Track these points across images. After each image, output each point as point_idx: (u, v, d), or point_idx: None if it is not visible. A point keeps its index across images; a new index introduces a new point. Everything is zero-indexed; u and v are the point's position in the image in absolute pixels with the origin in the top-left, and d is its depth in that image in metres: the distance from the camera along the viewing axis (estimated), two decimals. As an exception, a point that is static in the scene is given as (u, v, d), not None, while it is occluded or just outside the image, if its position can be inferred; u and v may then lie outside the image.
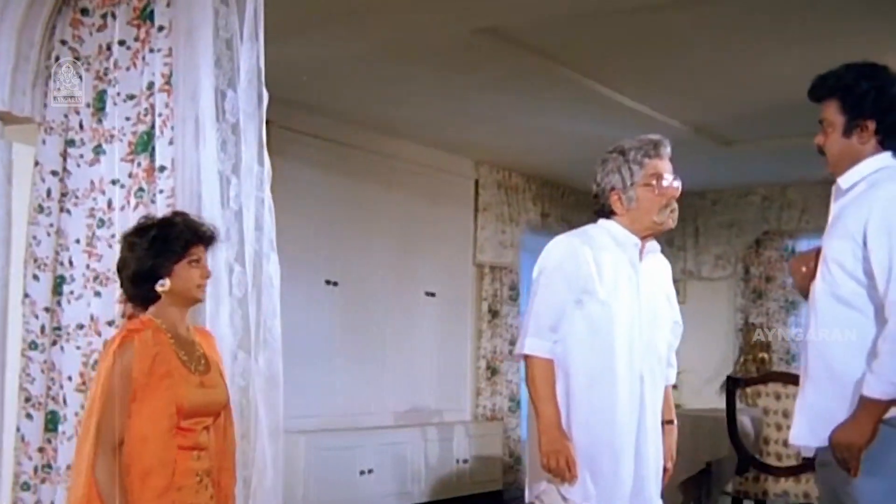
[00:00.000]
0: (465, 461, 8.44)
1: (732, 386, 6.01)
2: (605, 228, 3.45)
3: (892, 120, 2.98)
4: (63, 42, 3.94)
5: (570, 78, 6.80)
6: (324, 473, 6.98)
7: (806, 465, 5.66)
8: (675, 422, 3.59)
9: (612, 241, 3.40)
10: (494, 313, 9.29)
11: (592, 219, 9.43)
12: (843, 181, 3.02)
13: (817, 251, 3.07)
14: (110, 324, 3.67)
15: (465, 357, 9.13)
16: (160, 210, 3.63)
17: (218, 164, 3.62)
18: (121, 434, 2.90)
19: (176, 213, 3.21)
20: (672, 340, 3.54)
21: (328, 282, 7.62)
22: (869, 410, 2.82)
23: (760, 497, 5.85)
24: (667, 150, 3.45)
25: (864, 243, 2.88)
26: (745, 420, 6.10)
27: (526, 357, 3.33)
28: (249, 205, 3.64)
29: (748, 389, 6.62)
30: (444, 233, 8.89)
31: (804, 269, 3.12)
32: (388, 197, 8.27)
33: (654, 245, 3.48)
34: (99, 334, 3.68)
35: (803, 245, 10.27)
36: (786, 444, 5.68)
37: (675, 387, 3.64)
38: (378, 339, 8.09)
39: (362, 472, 7.30)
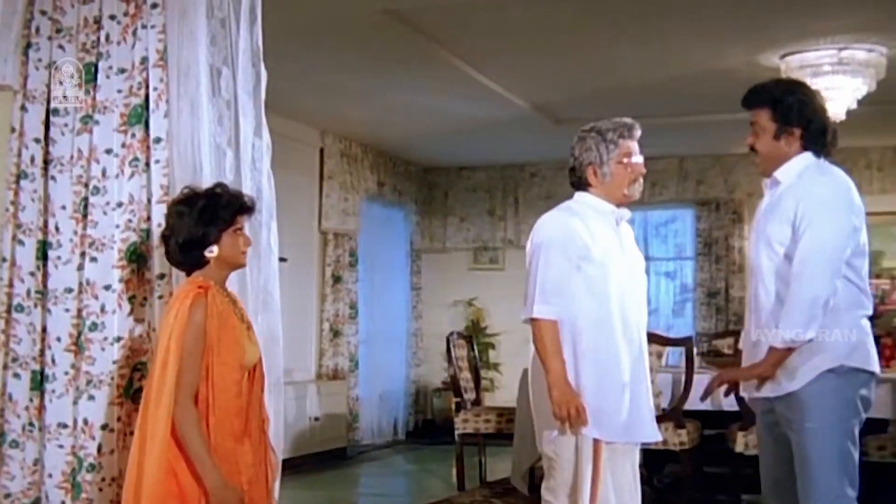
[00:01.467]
0: (317, 419, 8.79)
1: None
2: (583, 202, 3.91)
3: (814, 128, 3.65)
4: (43, 12, 4.02)
5: (443, 57, 7.25)
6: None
7: (664, 416, 6.36)
8: None
9: (593, 210, 3.88)
10: (337, 278, 9.65)
11: (421, 189, 9.75)
12: (781, 175, 3.66)
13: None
14: (107, 288, 3.83)
15: (311, 319, 9.46)
16: (155, 178, 3.84)
17: (213, 138, 3.86)
18: (198, 385, 3.16)
19: (217, 185, 3.44)
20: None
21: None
22: (775, 357, 3.53)
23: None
24: (638, 132, 3.92)
25: (795, 224, 3.53)
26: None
27: (533, 320, 3.75)
28: (247, 176, 3.89)
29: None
30: (293, 200, 9.13)
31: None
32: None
33: (626, 212, 3.97)
34: (96, 297, 3.82)
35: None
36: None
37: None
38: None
39: (231, 432, 7.52)
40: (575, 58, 7.48)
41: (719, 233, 10.61)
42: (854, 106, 7.14)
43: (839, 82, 6.92)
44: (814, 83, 6.96)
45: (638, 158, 3.91)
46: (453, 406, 7.48)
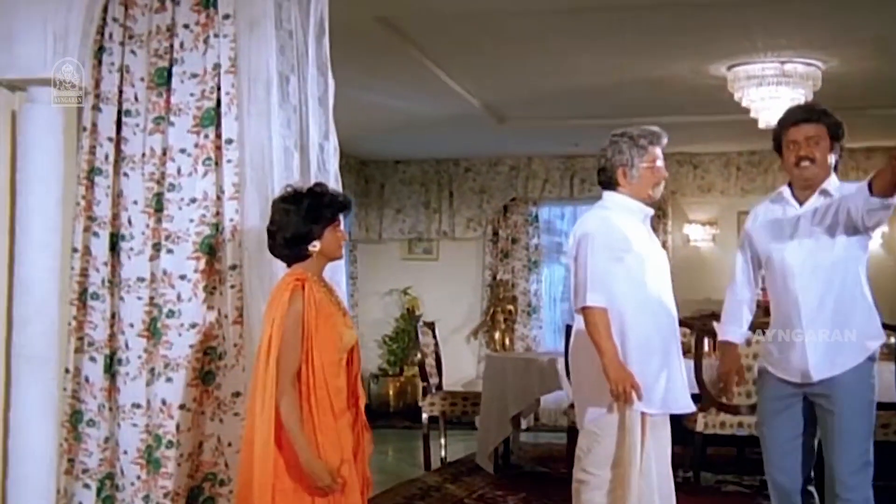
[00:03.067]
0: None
1: (568, 330, 7.10)
2: (613, 201, 4.36)
3: (844, 149, 4.25)
4: (115, 20, 4.26)
5: (416, 59, 7.59)
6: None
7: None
8: None
9: (623, 208, 4.33)
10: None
11: (358, 181, 10.15)
12: (832, 188, 4.17)
13: None
14: (182, 277, 4.13)
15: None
16: (227, 177, 4.15)
17: (283, 140, 4.18)
18: (298, 369, 3.47)
19: (316, 185, 3.76)
20: None
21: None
22: None
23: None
24: (665, 140, 4.38)
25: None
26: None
27: (586, 309, 4.18)
28: (315, 176, 4.23)
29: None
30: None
31: None
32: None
33: (650, 210, 4.43)
34: (172, 287, 4.12)
35: (545, 212, 11.63)
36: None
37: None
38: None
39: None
40: (535, 63, 7.93)
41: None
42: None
43: (781, 92, 7.53)
44: (758, 92, 7.61)
45: (661, 163, 4.37)
46: (420, 390, 7.88)
